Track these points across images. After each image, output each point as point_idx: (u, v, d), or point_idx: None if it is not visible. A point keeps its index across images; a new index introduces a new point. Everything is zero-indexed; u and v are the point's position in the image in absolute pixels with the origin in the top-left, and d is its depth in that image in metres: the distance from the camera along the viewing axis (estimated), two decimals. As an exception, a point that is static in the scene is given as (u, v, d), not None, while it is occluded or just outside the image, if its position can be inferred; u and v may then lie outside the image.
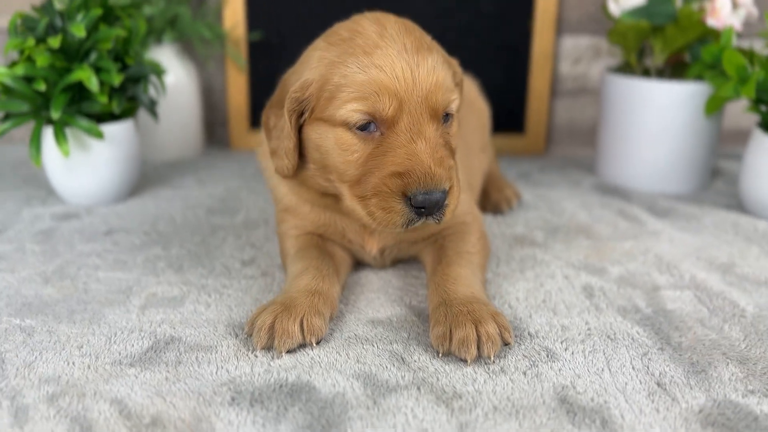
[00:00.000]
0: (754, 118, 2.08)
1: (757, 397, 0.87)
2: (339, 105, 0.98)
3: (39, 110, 1.41)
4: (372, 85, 0.96)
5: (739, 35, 1.67)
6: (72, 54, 1.41)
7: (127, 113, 1.54)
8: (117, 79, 1.39)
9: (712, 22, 1.60)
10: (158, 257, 1.27)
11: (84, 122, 1.40)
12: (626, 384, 0.89)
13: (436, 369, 0.92)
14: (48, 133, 1.45)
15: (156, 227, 1.42)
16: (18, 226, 1.42)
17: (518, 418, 0.82)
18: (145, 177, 1.77)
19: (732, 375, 0.91)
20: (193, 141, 2.00)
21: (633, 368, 0.93)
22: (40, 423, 0.80)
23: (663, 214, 1.54)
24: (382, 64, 0.97)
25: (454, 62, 1.10)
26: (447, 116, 1.03)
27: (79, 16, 1.41)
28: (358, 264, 1.24)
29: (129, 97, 1.55)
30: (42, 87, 1.35)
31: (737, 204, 1.60)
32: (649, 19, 1.64)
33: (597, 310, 1.09)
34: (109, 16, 1.51)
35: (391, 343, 0.98)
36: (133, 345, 0.97)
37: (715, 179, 1.81)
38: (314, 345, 0.96)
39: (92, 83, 1.36)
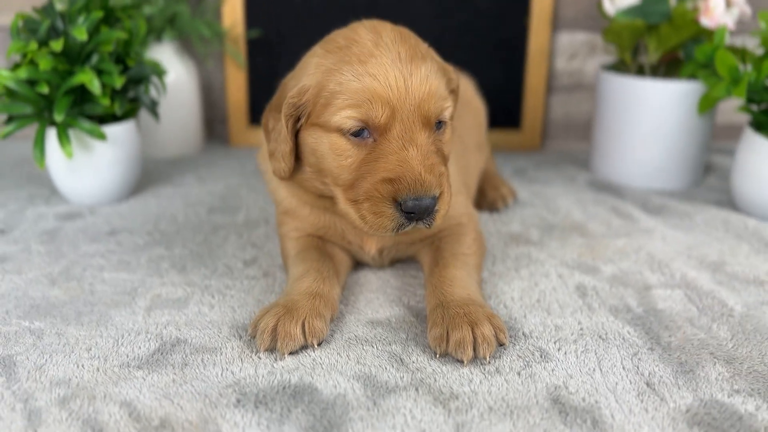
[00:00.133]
0: (746, 115, 2.11)
1: (742, 396, 0.90)
2: (334, 111, 1.01)
3: (42, 112, 1.44)
4: (366, 93, 0.99)
5: (732, 33, 1.69)
6: (74, 56, 1.42)
7: (128, 114, 1.56)
8: (119, 82, 1.41)
9: (705, 21, 1.62)
10: (161, 257, 1.30)
11: (86, 124, 1.42)
12: (617, 384, 0.93)
13: (433, 370, 0.95)
14: (51, 135, 1.47)
15: (158, 227, 1.45)
16: (23, 225, 1.44)
17: (512, 419, 0.85)
18: (146, 174, 1.80)
19: (719, 375, 0.95)
20: (193, 138, 2.02)
21: (623, 368, 0.96)
22: (53, 426, 0.83)
23: (656, 211, 1.57)
24: (376, 72, 1.00)
25: (450, 68, 1.12)
26: (440, 123, 1.05)
27: (80, 19, 1.43)
28: (357, 264, 1.27)
29: (130, 98, 1.57)
30: (45, 90, 1.37)
31: (729, 201, 1.63)
32: (643, 18, 1.66)
33: (590, 309, 1.12)
34: (110, 18, 1.52)
35: (390, 344, 1.02)
36: (140, 347, 1.00)
37: (708, 175, 1.84)
38: (316, 346, 0.99)
39: (94, 86, 1.38)
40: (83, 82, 1.39)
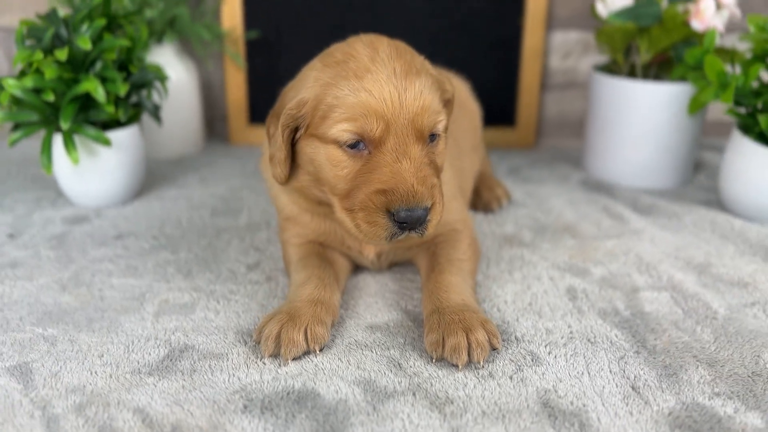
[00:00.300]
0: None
1: (721, 399, 0.95)
2: (331, 124, 1.05)
3: (48, 120, 1.47)
4: (361, 107, 1.03)
5: (722, 34, 1.73)
6: (78, 64, 1.46)
7: (131, 119, 1.60)
8: (123, 89, 1.45)
9: (695, 24, 1.65)
10: (167, 262, 1.35)
11: (92, 131, 1.46)
12: (603, 387, 0.98)
13: (430, 374, 1.00)
14: (57, 141, 1.51)
15: (163, 230, 1.49)
16: (31, 230, 1.48)
17: (504, 423, 0.90)
18: (150, 175, 1.84)
19: (701, 378, 1.00)
20: (194, 138, 2.06)
21: (610, 372, 1.01)
22: (71, 432, 0.88)
23: (646, 211, 1.62)
24: (372, 88, 1.04)
25: (445, 80, 1.16)
26: (433, 136, 1.09)
27: (84, 27, 1.46)
28: (357, 267, 1.31)
29: (133, 102, 1.61)
30: (51, 98, 1.41)
31: (717, 200, 1.68)
32: (635, 20, 1.69)
33: (579, 312, 1.17)
34: (112, 24, 1.55)
35: (388, 349, 1.07)
36: (150, 353, 1.05)
37: (698, 172, 1.89)
38: (318, 352, 1.04)
39: (99, 94, 1.42)
40: (88, 90, 1.43)
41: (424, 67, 1.11)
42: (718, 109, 2.18)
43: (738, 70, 1.68)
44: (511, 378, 1.00)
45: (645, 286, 1.26)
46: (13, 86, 1.41)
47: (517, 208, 1.64)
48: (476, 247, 1.27)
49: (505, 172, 1.91)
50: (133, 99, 1.62)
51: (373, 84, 1.04)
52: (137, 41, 1.57)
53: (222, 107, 2.22)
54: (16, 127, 1.48)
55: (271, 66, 2.10)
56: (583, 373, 1.01)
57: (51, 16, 1.49)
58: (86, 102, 1.48)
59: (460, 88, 1.63)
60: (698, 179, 1.85)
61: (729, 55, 1.66)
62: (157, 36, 1.91)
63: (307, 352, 1.05)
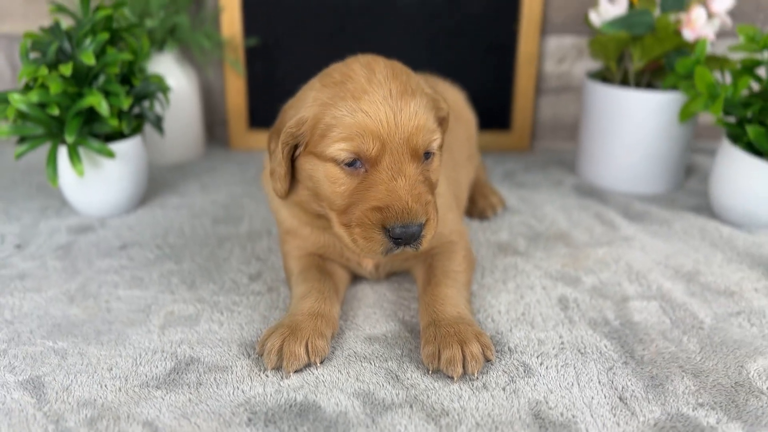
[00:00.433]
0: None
1: (705, 410, 1.00)
2: (329, 143, 1.09)
3: (53, 133, 1.51)
4: (358, 127, 1.07)
5: (712, 43, 1.76)
6: (82, 78, 1.49)
7: (134, 130, 1.63)
8: (126, 103, 1.48)
9: (687, 33, 1.69)
10: (172, 272, 1.39)
11: (96, 144, 1.50)
12: (592, 398, 1.02)
13: (426, 386, 1.04)
14: (62, 153, 1.54)
15: (167, 240, 1.53)
16: (37, 240, 1.52)
17: (497, 434, 0.95)
18: (152, 182, 1.87)
19: (686, 388, 1.04)
20: (195, 143, 2.09)
21: (599, 383, 1.06)
22: (84, 446, 0.92)
23: (637, 218, 1.66)
24: (368, 109, 1.08)
25: (440, 99, 1.20)
26: (428, 154, 1.13)
27: (87, 41, 1.49)
28: (356, 277, 1.35)
29: (135, 114, 1.64)
30: (56, 112, 1.44)
31: (707, 205, 1.72)
32: (628, 29, 1.73)
33: (570, 323, 1.22)
34: (114, 37, 1.58)
35: (386, 360, 1.11)
36: (157, 366, 1.09)
37: (690, 176, 1.93)
38: (318, 365, 1.09)
39: (103, 108, 1.45)
40: (92, 105, 1.46)
41: (420, 88, 1.15)
42: (710, 114, 2.21)
43: (728, 78, 1.72)
44: (504, 389, 1.04)
45: (635, 295, 1.31)
46: (18, 101, 1.44)
47: (511, 215, 1.68)
48: (471, 258, 1.31)
49: (500, 177, 1.95)
50: (136, 110, 1.66)
51: (370, 105, 1.08)
52: (139, 53, 1.60)
53: (222, 113, 2.26)
54: (22, 140, 1.51)
55: (270, 72, 2.13)
56: (573, 384, 1.05)
57: (54, 30, 1.52)
58: (90, 115, 1.51)
59: (456, 98, 1.67)
60: (690, 183, 1.89)
61: (719, 62, 1.70)
62: (158, 44, 1.94)
63: (308, 365, 1.09)
